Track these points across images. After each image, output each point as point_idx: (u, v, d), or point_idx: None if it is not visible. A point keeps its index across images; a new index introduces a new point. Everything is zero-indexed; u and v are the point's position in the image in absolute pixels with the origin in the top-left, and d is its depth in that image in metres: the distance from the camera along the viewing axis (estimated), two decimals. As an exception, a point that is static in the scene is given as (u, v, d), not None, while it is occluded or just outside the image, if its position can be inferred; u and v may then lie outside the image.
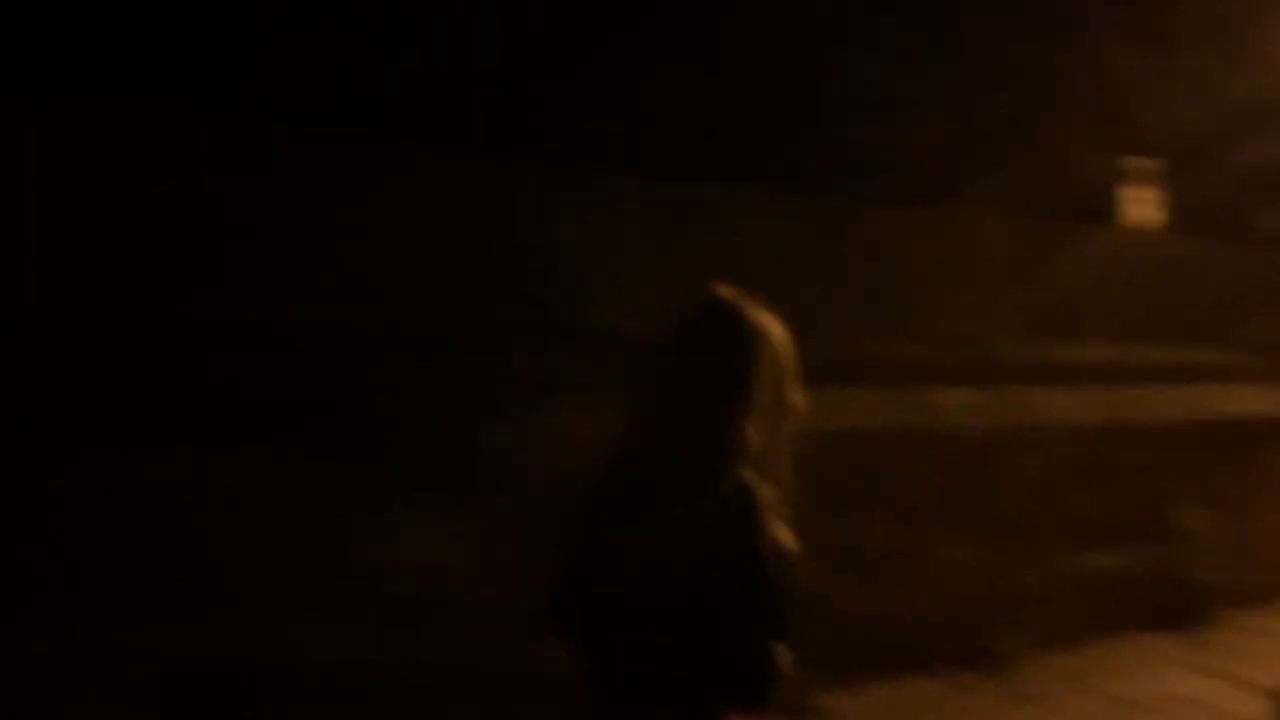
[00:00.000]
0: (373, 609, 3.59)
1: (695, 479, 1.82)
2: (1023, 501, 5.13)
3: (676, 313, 1.91)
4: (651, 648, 1.84)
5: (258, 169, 3.60)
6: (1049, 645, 5.17)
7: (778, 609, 1.83)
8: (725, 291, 1.93)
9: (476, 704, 3.63)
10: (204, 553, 3.36)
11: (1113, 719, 4.66)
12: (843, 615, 4.08)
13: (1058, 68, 5.97)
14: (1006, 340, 5.32)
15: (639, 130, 4.32)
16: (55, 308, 3.25)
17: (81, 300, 3.30)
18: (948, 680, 4.78)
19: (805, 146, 4.84)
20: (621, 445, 1.95)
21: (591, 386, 3.90)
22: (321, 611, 3.52)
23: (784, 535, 1.84)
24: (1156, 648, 5.55)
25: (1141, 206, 7.17)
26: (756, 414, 1.85)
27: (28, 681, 3.05)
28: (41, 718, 3.11)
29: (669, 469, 1.85)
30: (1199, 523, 5.95)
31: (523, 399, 3.82)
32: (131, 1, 3.49)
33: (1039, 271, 5.58)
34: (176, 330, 3.40)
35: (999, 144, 5.50)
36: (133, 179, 3.38)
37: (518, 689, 3.64)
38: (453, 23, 3.99)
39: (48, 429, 3.17)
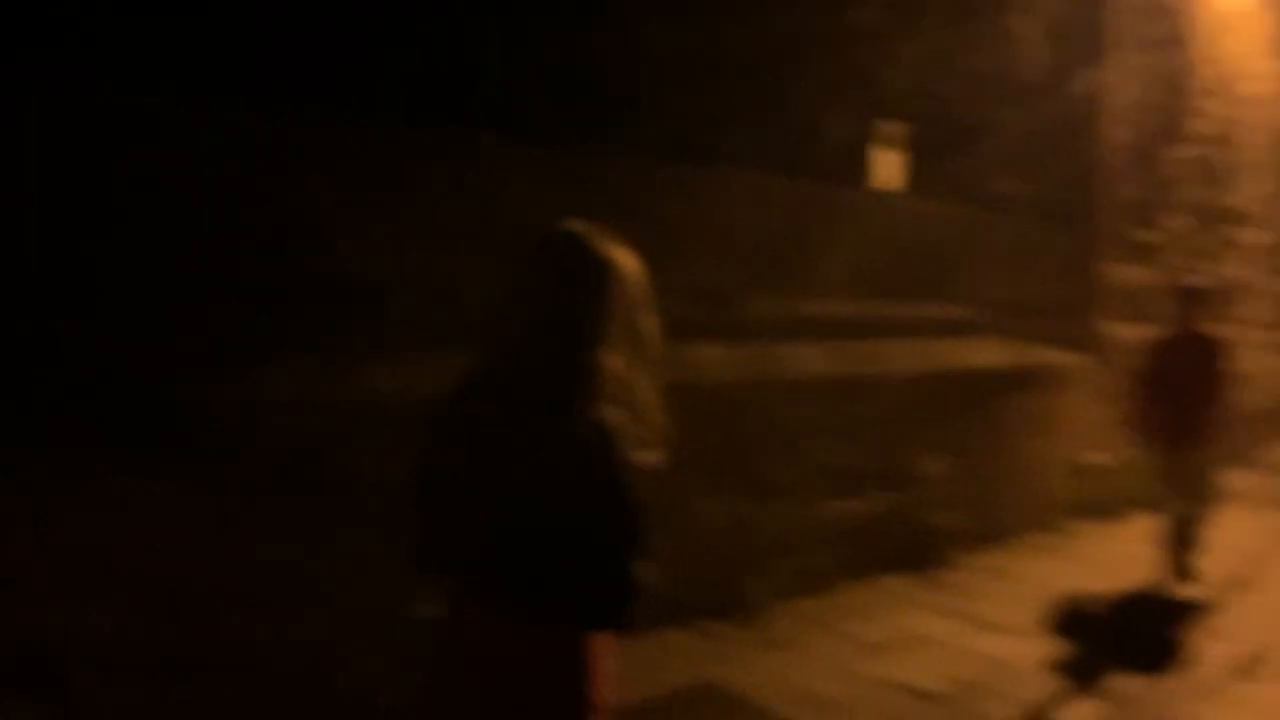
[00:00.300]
0: (80, 591, 3.26)
1: (554, 409, 1.91)
2: (771, 453, 5.21)
3: (528, 247, 1.98)
4: (520, 574, 1.93)
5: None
6: (797, 592, 5.30)
7: (638, 533, 1.92)
8: (574, 225, 2.01)
9: (190, 684, 3.34)
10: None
11: (856, 660, 4.81)
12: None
13: (807, 30, 6.07)
14: (755, 295, 5.39)
15: (386, 78, 4.09)
16: None
17: None
18: (698, 631, 4.81)
19: (557, 98, 4.73)
20: (477, 376, 2.00)
21: (334, 344, 3.66)
22: (25, 594, 3.16)
23: (645, 458, 1.94)
24: (899, 590, 5.79)
25: (886, 169, 7.43)
26: (611, 343, 1.95)
27: None
28: None
29: (528, 400, 1.93)
30: (937, 469, 6.24)
31: (257, 358, 3.53)
32: None
33: (787, 229, 5.67)
34: None
35: (749, 102, 5.54)
36: None
37: (233, 665, 3.39)
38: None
39: None
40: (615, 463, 1.90)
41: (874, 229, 6.31)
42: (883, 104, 6.94)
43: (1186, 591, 6.25)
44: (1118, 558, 6.85)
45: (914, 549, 6.07)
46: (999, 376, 6.99)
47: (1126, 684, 4.79)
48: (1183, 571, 6.39)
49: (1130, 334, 8.49)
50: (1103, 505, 7.99)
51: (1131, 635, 5.40)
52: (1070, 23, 8.03)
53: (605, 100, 4.92)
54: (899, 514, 6.02)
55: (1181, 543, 6.40)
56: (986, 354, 7.00)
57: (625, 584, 1.91)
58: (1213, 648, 5.32)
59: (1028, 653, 5.06)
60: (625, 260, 2.01)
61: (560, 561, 1.91)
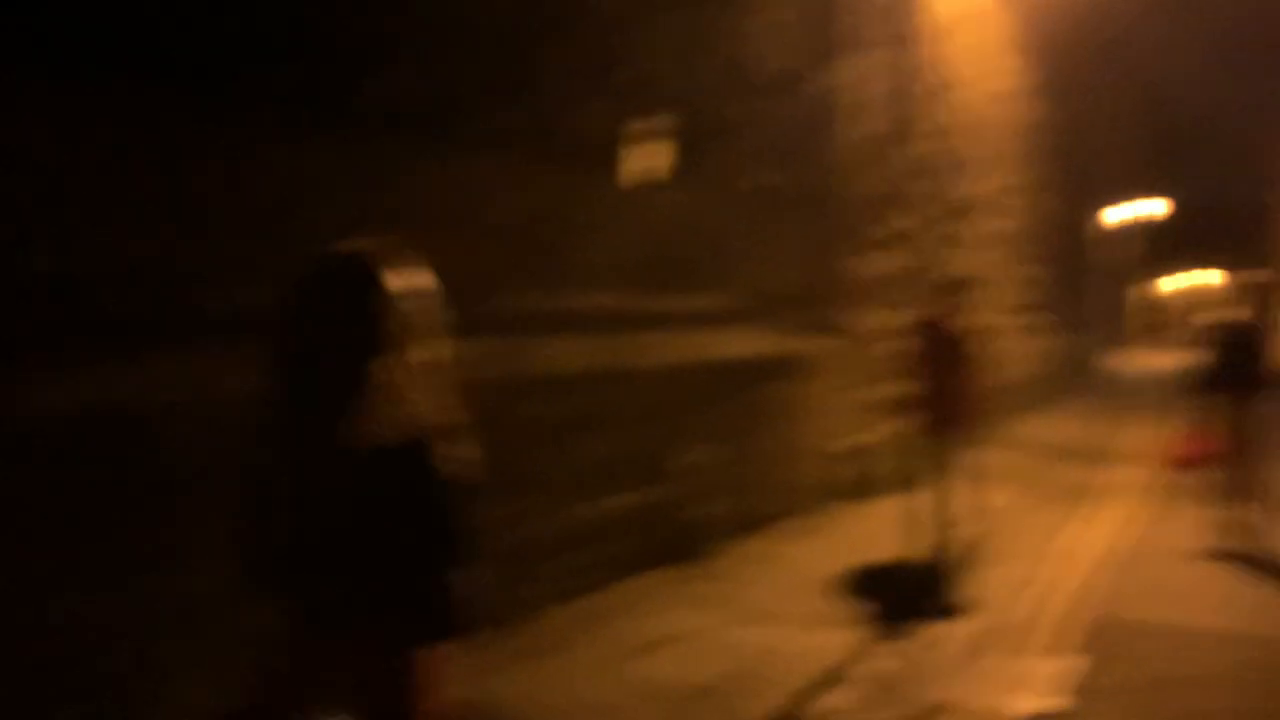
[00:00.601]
0: None
1: (359, 427, 1.91)
2: (531, 452, 5.01)
3: (307, 263, 1.98)
4: (344, 589, 1.93)
5: None
6: (563, 595, 5.14)
7: (457, 542, 1.96)
8: (356, 246, 2.04)
9: None
10: None
11: (623, 662, 4.69)
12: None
13: (562, 17, 5.90)
14: (512, 288, 5.17)
15: (109, 39, 3.58)
16: None
17: None
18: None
19: (278, 68, 4.35)
20: (278, 398, 1.98)
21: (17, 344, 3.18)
22: None
23: (459, 455, 1.97)
24: (665, 584, 5.73)
25: (646, 159, 7.37)
26: (399, 353, 1.96)
27: None
28: None
29: (326, 414, 1.92)
30: (698, 460, 6.22)
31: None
32: None
33: (545, 218, 5.49)
34: None
35: (502, 84, 5.31)
36: None
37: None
38: None
39: None
40: (429, 475, 1.93)
41: (633, 219, 6.22)
42: (638, 93, 6.87)
43: (938, 566, 6.51)
44: (870, 537, 7.07)
45: (679, 541, 6.03)
46: (756, 365, 7.07)
47: (878, 664, 4.89)
48: (937, 546, 6.68)
49: (876, 321, 8.82)
50: (856, 486, 8.25)
51: (884, 614, 5.54)
52: (812, 19, 8.23)
53: (341, 73, 4.58)
54: (663, 507, 5.96)
55: (937, 518, 6.71)
56: (744, 344, 7.06)
57: (449, 594, 1.93)
58: (957, 623, 5.53)
59: (789, 639, 5.10)
60: (409, 270, 2.02)
61: (384, 575, 1.92)
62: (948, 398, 6.63)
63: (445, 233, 4.80)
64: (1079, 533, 7.69)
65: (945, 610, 5.70)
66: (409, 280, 2.01)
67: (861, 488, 8.36)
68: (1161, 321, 43.51)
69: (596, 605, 5.28)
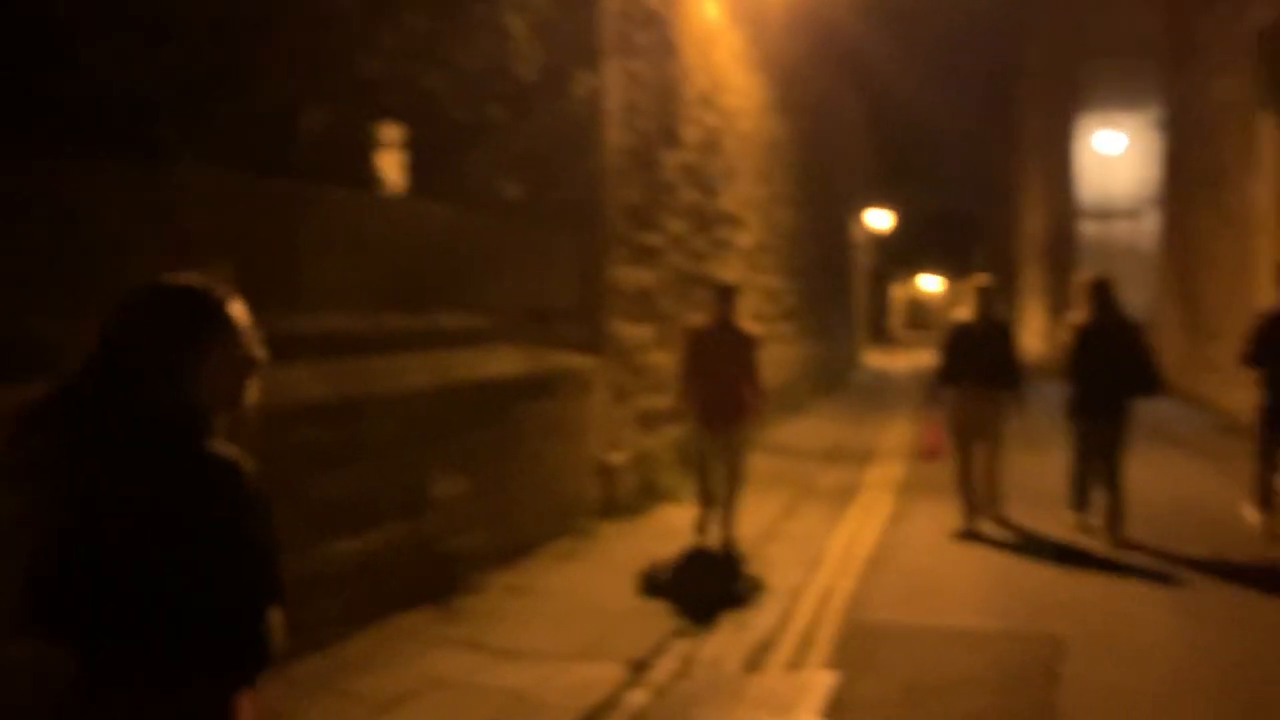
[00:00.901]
0: None
1: (163, 452, 1.81)
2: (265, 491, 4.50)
3: (127, 293, 1.90)
4: (138, 631, 1.79)
5: None
6: (294, 652, 4.61)
7: (263, 574, 1.87)
8: (180, 276, 1.94)
9: None
10: None
11: (364, 722, 4.25)
12: None
13: (276, 8, 5.42)
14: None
15: None
16: None
17: None
18: None
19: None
20: (64, 424, 1.83)
21: None
22: None
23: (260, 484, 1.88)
24: (416, 628, 5.29)
25: (383, 170, 6.95)
26: (209, 387, 1.89)
27: None
28: None
29: (122, 445, 1.81)
30: (454, 489, 5.84)
31: None
32: None
33: (265, 235, 4.98)
34: None
35: (205, 87, 4.79)
36: None
37: None
38: None
39: None
40: (236, 501, 1.83)
41: (373, 234, 5.77)
42: (374, 98, 6.45)
43: (708, 579, 6.41)
44: (641, 554, 6.86)
45: (433, 579, 5.61)
46: (515, 384, 6.75)
47: (640, 697, 4.65)
48: (709, 557, 6.72)
49: (646, 331, 8.67)
50: (625, 503, 8.06)
51: (651, 637, 5.31)
52: (563, 25, 7.99)
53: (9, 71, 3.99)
54: (414, 543, 5.53)
55: (709, 527, 6.88)
56: (502, 362, 6.72)
57: (255, 630, 1.83)
58: (726, 639, 5.37)
59: (551, 677, 4.79)
60: (229, 307, 1.95)
61: (182, 612, 1.79)
62: (732, 400, 6.73)
63: (142, 253, 4.23)
64: (844, 535, 7.73)
65: (717, 621, 5.55)
66: (242, 314, 1.96)
67: (640, 500, 8.19)
68: (921, 321, 46.49)
69: (333, 661, 4.78)
